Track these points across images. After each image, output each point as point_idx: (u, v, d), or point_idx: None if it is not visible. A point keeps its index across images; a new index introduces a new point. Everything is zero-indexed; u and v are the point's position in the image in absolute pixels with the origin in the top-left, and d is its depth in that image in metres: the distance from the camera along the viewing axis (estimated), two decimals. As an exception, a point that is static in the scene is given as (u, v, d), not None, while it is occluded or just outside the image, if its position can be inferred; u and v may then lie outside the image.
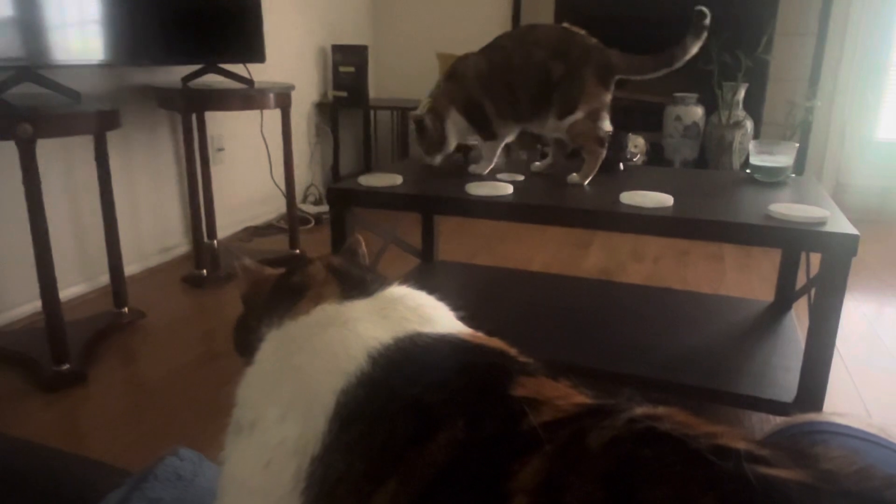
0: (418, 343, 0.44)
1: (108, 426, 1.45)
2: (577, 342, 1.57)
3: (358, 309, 0.48)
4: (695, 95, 3.31)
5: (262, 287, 0.56)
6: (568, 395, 0.38)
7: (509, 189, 1.45)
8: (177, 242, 2.55)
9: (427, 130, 1.61)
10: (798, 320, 1.72)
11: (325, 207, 3.23)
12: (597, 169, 1.57)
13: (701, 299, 1.91)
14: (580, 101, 1.51)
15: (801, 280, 1.76)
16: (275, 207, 3.04)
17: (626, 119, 3.40)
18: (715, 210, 1.34)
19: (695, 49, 1.53)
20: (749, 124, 3.21)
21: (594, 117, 1.54)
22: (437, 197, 1.44)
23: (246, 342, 0.52)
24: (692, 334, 1.63)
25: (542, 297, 1.88)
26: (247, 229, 2.89)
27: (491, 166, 1.66)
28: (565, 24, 1.57)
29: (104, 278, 2.07)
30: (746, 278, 2.42)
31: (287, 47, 3.05)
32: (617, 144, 1.83)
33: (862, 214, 3.23)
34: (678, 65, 1.53)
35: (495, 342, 0.45)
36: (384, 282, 0.52)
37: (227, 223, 2.77)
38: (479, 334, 0.47)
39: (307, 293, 0.50)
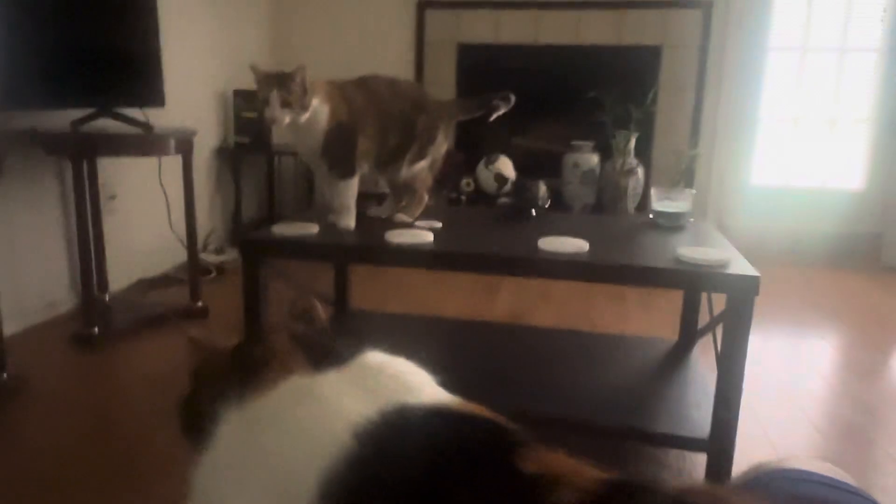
0: (407, 416, 0.41)
1: (-14, 511, 1.29)
2: (494, 387, 1.56)
3: (332, 380, 0.44)
4: (590, 143, 3.49)
5: (215, 361, 0.50)
6: (578, 470, 0.36)
7: (430, 237, 1.44)
8: (62, 297, 2.35)
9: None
10: (702, 356, 1.81)
11: (226, 256, 3.10)
12: (421, 209, 1.68)
13: (611, 340, 1.97)
14: (429, 151, 1.65)
15: (702, 318, 1.85)
16: (171, 257, 2.88)
17: (528, 166, 3.54)
18: (628, 255, 1.39)
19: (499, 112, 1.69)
20: (641, 171, 3.41)
21: (433, 165, 1.69)
22: (357, 246, 1.41)
23: (196, 423, 0.47)
24: (606, 375, 1.67)
25: (458, 344, 1.87)
26: (141, 281, 2.71)
27: (353, 215, 1.56)
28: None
29: (-22, 341, 1.86)
30: (648, 317, 2.53)
31: (185, 91, 2.94)
32: (528, 191, 1.89)
33: (743, 254, 3.49)
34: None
35: (482, 410, 0.43)
36: (356, 348, 0.48)
37: (119, 275, 2.59)
38: (465, 402, 0.44)
39: (271, 365, 0.46)
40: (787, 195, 3.65)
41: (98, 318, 2.14)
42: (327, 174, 1.55)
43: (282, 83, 1.41)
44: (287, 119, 1.43)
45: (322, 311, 0.59)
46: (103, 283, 2.39)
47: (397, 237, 1.43)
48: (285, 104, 1.41)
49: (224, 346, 0.53)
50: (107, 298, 2.39)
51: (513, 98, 1.70)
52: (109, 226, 2.46)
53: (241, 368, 0.48)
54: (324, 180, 1.58)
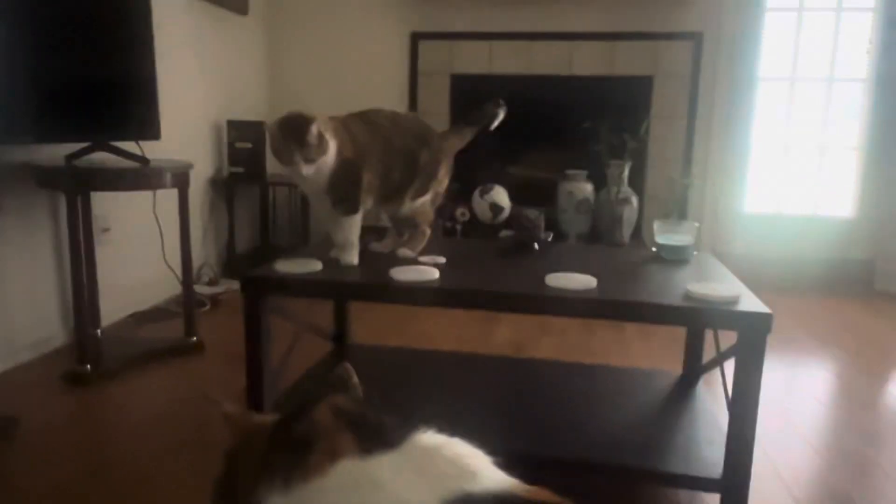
0: None
1: (-24, 565, 1.23)
2: (498, 427, 1.52)
3: (386, 465, 0.41)
4: (584, 172, 3.50)
5: (253, 440, 0.47)
6: None
7: (435, 273, 1.42)
8: (52, 333, 2.30)
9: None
10: (708, 388, 1.79)
11: (220, 288, 3.06)
12: (423, 244, 1.67)
13: (614, 373, 1.94)
14: (431, 185, 1.64)
15: (707, 350, 1.84)
16: (164, 290, 2.84)
17: (522, 195, 3.54)
18: (637, 291, 1.38)
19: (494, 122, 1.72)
20: (635, 200, 3.42)
21: (435, 200, 1.68)
22: (363, 284, 1.39)
23: None
24: (612, 412, 1.64)
25: (461, 379, 1.84)
26: (134, 315, 2.66)
27: (357, 251, 1.54)
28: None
29: (-34, 381, 1.81)
30: (648, 346, 2.52)
31: (179, 122, 2.92)
32: (530, 224, 1.88)
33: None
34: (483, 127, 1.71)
35: (549, 495, 0.40)
36: (408, 427, 0.45)
37: (112, 310, 2.54)
38: (529, 487, 0.41)
39: (317, 447, 0.42)
40: (780, 222, 3.67)
41: (91, 354, 2.09)
42: (331, 210, 1.53)
43: (301, 141, 1.38)
44: (311, 171, 1.41)
45: (357, 379, 0.55)
46: (95, 318, 2.34)
47: (403, 274, 1.41)
48: (308, 160, 1.40)
49: (261, 422, 0.49)
50: (99, 334, 2.34)
51: (503, 104, 1.71)
52: (102, 259, 2.42)
53: (283, 449, 0.44)
54: (327, 216, 1.56)
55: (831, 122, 3.59)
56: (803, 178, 3.65)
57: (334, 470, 0.41)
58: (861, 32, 3.45)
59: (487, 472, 0.42)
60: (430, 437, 0.44)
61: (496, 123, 1.72)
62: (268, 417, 0.50)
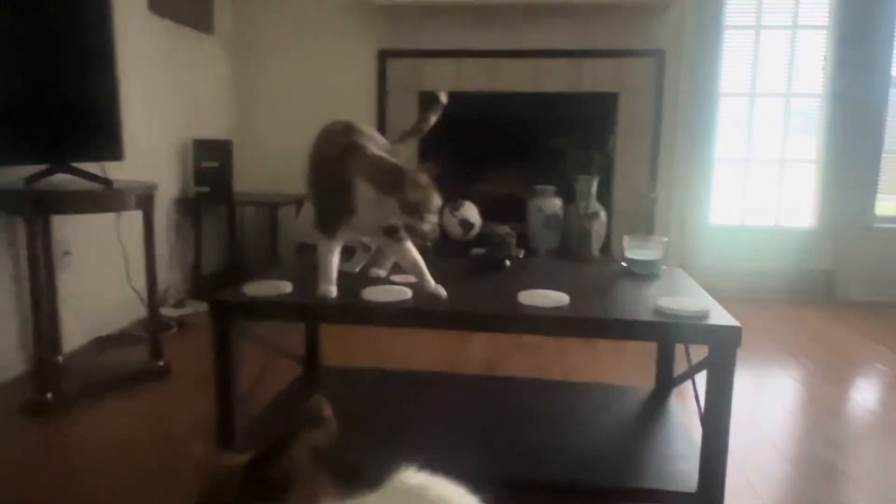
0: None
1: None
2: (475, 448, 1.50)
3: None
4: (553, 188, 3.53)
5: (224, 484, 0.44)
6: None
7: (408, 293, 1.41)
8: (10, 361, 2.21)
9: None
10: (679, 400, 1.80)
11: (188, 310, 3.00)
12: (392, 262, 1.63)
13: (587, 390, 1.95)
14: None
15: (678, 360, 1.86)
16: (129, 314, 2.76)
17: (492, 210, 3.55)
18: (609, 307, 1.39)
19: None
20: (603, 214, 3.46)
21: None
22: (335, 306, 1.37)
23: None
24: (586, 430, 1.64)
25: (434, 400, 1.82)
26: (98, 340, 2.58)
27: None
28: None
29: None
30: (620, 360, 2.53)
31: (144, 142, 2.86)
32: (501, 241, 1.88)
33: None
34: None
35: None
36: (389, 466, 0.43)
37: (74, 335, 2.46)
38: None
39: (294, 491, 0.41)
40: (744, 234, 3.75)
41: (51, 382, 2.02)
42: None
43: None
44: None
45: (332, 412, 0.52)
46: (56, 344, 2.27)
47: (376, 294, 1.39)
48: None
49: (232, 464, 0.47)
50: (60, 360, 2.27)
51: (442, 97, 1.68)
52: (63, 283, 2.35)
53: (257, 495, 0.42)
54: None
55: (790, 136, 3.69)
56: (765, 190, 3.74)
57: None
58: (816, 49, 3.56)
59: None
60: (412, 477, 0.43)
61: (436, 117, 1.69)
62: (239, 458, 0.47)
